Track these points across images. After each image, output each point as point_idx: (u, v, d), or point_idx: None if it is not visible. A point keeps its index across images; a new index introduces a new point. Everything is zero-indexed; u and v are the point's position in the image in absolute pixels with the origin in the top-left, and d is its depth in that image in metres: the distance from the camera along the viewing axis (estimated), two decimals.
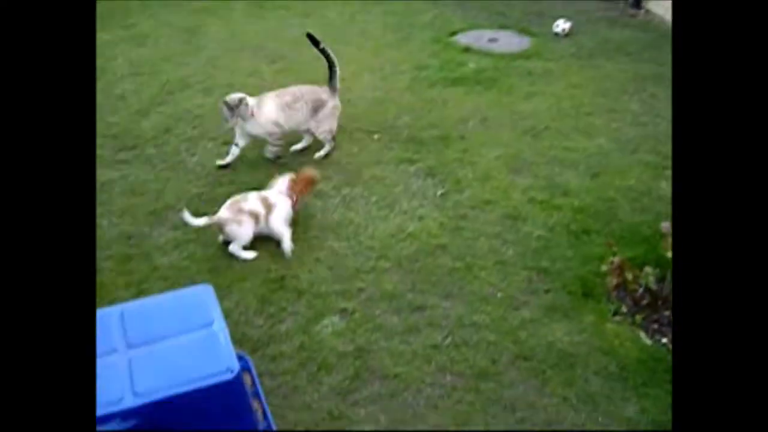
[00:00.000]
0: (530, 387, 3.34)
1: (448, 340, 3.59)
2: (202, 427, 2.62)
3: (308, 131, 5.03)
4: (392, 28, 7.47)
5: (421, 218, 4.43)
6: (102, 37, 7.34)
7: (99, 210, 4.46)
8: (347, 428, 3.14)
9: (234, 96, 4.75)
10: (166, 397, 2.52)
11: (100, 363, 2.64)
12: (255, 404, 3.04)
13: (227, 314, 3.16)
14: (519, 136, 5.33)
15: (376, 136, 5.31)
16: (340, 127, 5.31)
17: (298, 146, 5.13)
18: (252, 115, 4.74)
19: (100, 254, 4.08)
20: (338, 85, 4.99)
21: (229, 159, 4.88)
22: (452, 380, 3.38)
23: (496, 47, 6.95)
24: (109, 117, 5.56)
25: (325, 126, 4.96)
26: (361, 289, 3.90)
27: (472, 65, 6.50)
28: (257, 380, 3.27)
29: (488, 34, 7.26)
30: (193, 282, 3.83)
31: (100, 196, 4.59)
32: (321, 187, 4.64)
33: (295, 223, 4.27)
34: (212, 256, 4.05)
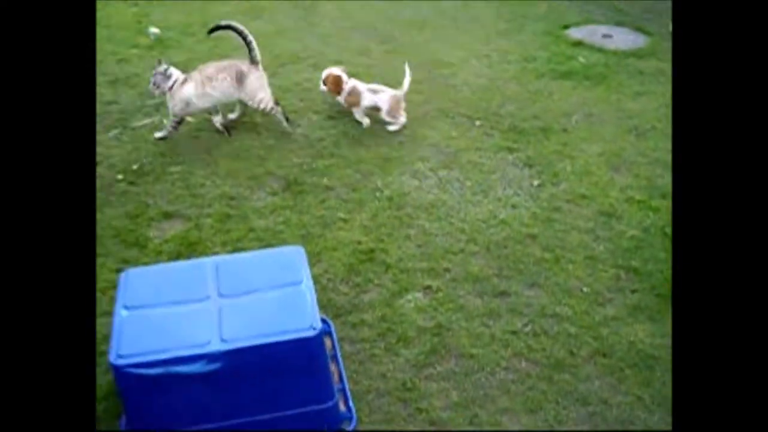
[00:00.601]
0: (605, 383, 3.32)
1: (528, 327, 3.60)
2: (280, 379, 2.76)
3: (241, 102, 5.17)
4: (505, 18, 7.42)
5: (514, 206, 4.43)
6: (221, 9, 7.63)
7: (204, 171, 4.69)
8: (418, 400, 3.22)
9: (163, 66, 4.89)
10: (250, 346, 2.67)
11: (193, 308, 2.82)
12: (332, 366, 3.16)
13: (315, 279, 3.27)
14: (623, 134, 5.23)
15: (477, 123, 5.32)
16: (442, 110, 5.36)
17: (232, 116, 5.27)
18: (170, 89, 4.89)
19: (202, 212, 4.30)
20: (259, 57, 5.06)
21: (164, 133, 5.07)
22: (527, 367, 3.39)
23: (609, 43, 6.80)
24: None
25: (259, 96, 5.04)
26: (447, 269, 3.95)
27: (582, 60, 6.39)
28: (337, 344, 3.40)
29: (603, 29, 7.11)
30: (285, 246, 4.00)
31: (207, 158, 4.82)
32: (418, 167, 4.72)
33: (388, 198, 4.39)
34: (306, 224, 4.20)
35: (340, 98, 5.26)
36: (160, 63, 4.88)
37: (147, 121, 5.33)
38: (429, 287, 3.84)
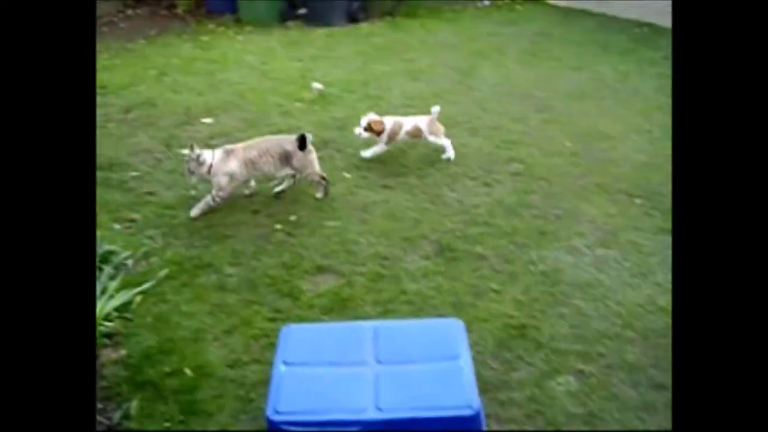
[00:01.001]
0: None
1: None
2: None
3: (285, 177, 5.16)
4: (666, 92, 7.19)
5: None
6: (381, 68, 7.87)
7: (359, 228, 4.76)
8: None
9: (195, 153, 4.86)
10: (406, 417, 2.63)
11: (350, 371, 2.82)
12: None
13: None
14: None
15: (637, 201, 5.14)
16: (600, 185, 5.22)
17: (279, 188, 5.22)
18: (209, 171, 4.89)
19: (355, 269, 4.35)
20: (310, 147, 5.07)
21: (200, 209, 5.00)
22: None
23: None
24: None
25: (306, 171, 5.06)
26: (601, 354, 3.78)
27: None
28: (483, 420, 3.29)
29: None
30: (436, 312, 3.97)
31: (362, 216, 4.90)
32: (574, 243, 4.60)
33: (542, 273, 4.29)
34: (458, 291, 4.15)
35: (383, 138, 5.53)
36: (192, 149, 4.92)
37: None
38: (581, 371, 3.67)
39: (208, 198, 4.96)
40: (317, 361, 2.85)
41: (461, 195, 5.14)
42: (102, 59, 8.91)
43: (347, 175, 5.45)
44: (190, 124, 6.63)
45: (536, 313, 4.04)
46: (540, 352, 3.78)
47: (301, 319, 3.93)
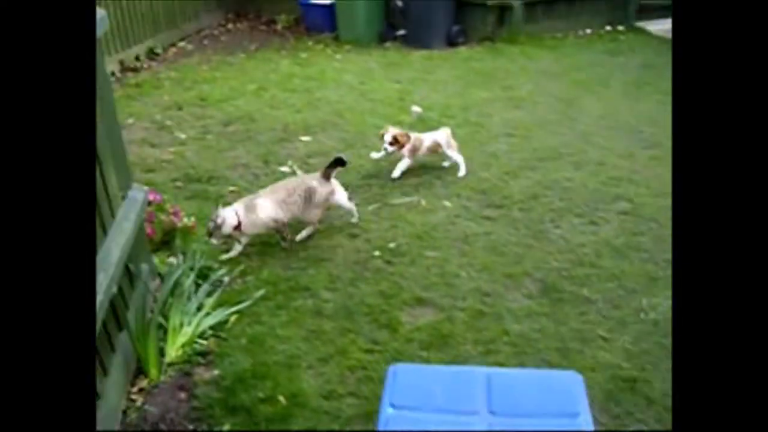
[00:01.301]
0: None
1: None
2: None
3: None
4: None
5: None
6: (480, 94, 7.73)
7: (460, 260, 4.60)
8: None
9: (218, 218, 4.63)
10: None
11: (461, 420, 2.66)
12: None
13: None
14: None
15: None
16: None
17: (302, 235, 4.98)
18: (238, 228, 4.68)
19: (455, 304, 4.19)
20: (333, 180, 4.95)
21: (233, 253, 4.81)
22: None
23: None
24: (480, 172, 5.77)
25: (312, 213, 4.86)
26: None
27: None
28: None
29: None
30: (540, 356, 3.76)
31: (464, 247, 4.74)
32: None
33: (654, 322, 4.02)
34: (564, 336, 3.92)
35: (405, 152, 5.68)
36: (216, 211, 4.70)
37: (406, 199, 5.39)
38: None
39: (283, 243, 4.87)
40: (426, 407, 2.69)
41: (566, 232, 4.91)
42: (203, 71, 9.09)
43: (447, 204, 5.30)
44: (288, 141, 6.62)
45: (647, 366, 3.78)
46: (651, 409, 3.52)
47: (399, 353, 3.80)
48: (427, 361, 3.75)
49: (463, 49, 9.51)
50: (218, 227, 4.62)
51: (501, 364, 3.69)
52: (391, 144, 5.60)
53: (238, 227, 4.67)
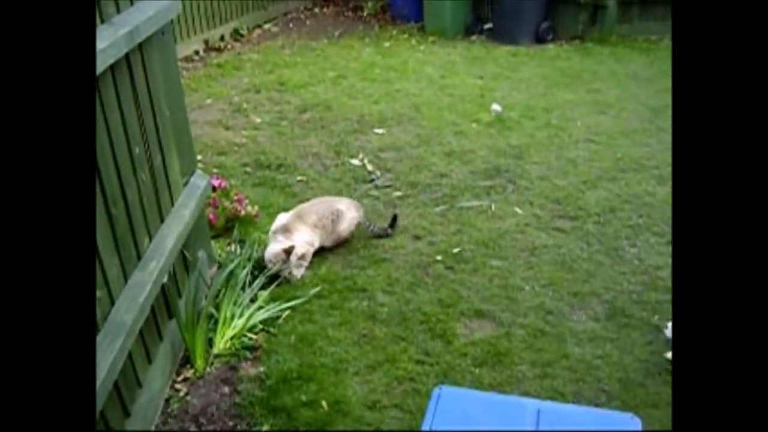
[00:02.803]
0: None
1: None
2: None
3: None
4: None
5: None
6: (565, 96, 7.42)
7: (525, 273, 4.39)
8: None
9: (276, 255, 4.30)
10: None
11: None
12: None
13: None
14: None
15: None
16: None
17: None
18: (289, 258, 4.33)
19: (515, 320, 3.99)
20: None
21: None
22: None
23: None
24: (556, 179, 5.51)
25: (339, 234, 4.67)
26: None
27: None
28: None
29: None
30: (599, 386, 3.53)
31: (530, 260, 4.52)
32: None
33: None
34: (627, 367, 3.67)
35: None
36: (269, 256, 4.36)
37: (475, 203, 5.20)
38: None
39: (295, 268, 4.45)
40: None
41: (642, 251, 4.61)
42: (284, 55, 9.06)
43: (518, 211, 5.08)
44: (362, 133, 6.50)
45: None
46: None
47: (450, 367, 3.64)
48: (479, 378, 3.58)
49: (550, 47, 9.17)
50: (283, 261, 4.31)
51: (556, 390, 3.49)
52: None
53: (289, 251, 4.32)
